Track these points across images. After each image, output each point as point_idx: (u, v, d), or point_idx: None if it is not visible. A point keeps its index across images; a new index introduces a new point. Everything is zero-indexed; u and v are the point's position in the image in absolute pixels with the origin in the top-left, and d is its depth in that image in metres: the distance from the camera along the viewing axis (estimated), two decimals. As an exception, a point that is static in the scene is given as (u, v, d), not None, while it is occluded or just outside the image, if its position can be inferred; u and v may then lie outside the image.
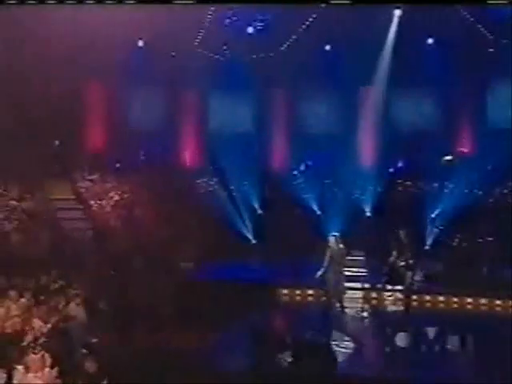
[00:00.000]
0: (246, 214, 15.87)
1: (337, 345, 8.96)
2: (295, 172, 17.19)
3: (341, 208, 14.44)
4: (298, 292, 12.31)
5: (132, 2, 8.48)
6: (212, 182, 17.28)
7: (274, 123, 18.12)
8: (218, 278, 12.64)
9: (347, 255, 11.47)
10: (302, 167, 17.52)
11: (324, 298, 11.46)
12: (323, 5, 9.17)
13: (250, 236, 15.54)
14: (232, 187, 16.79)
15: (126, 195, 16.51)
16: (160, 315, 10.74)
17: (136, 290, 11.83)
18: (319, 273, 10.98)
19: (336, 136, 16.94)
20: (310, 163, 17.56)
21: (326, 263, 10.93)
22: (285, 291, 12.30)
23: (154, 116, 18.33)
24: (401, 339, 10.13)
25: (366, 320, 11.14)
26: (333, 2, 8.78)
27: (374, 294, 12.08)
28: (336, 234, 11.39)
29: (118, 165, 17.53)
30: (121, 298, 11.54)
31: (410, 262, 11.12)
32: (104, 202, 16.20)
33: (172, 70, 16.80)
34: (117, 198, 16.39)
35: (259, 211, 16.27)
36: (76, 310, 10.17)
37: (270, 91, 18.04)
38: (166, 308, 11.10)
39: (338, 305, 11.26)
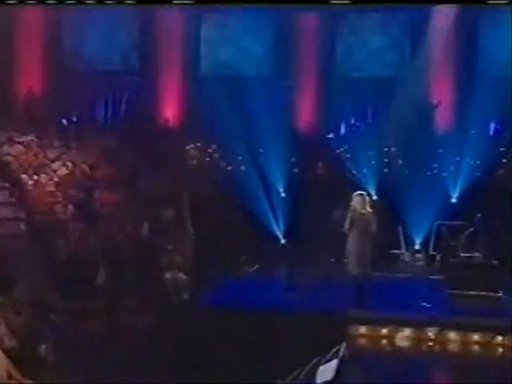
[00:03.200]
0: (264, 197, 14.73)
1: None
2: (331, 135, 16.15)
3: (411, 190, 13.96)
4: (384, 331, 10.57)
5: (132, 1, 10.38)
6: (210, 150, 16.20)
7: (299, 61, 16.79)
8: (227, 303, 11.39)
9: (377, 222, 11.24)
10: (343, 128, 16.41)
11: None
12: None
13: (276, 232, 14.52)
14: (240, 157, 15.71)
15: (78, 167, 15.71)
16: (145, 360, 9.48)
17: (102, 319, 11.15)
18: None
19: (396, 80, 15.97)
20: (355, 122, 16.45)
21: (346, 228, 11.18)
22: (363, 329, 10.55)
23: (119, 46, 17.46)
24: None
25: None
26: (333, 1, 10.38)
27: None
28: (363, 192, 11.46)
29: (64, 121, 16.62)
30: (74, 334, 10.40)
31: None
32: (44, 178, 15.39)
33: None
34: (65, 171, 15.68)
35: (283, 194, 15.20)
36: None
37: (295, 11, 16.12)
38: (153, 351, 9.85)
39: (357, 286, 11.15)
